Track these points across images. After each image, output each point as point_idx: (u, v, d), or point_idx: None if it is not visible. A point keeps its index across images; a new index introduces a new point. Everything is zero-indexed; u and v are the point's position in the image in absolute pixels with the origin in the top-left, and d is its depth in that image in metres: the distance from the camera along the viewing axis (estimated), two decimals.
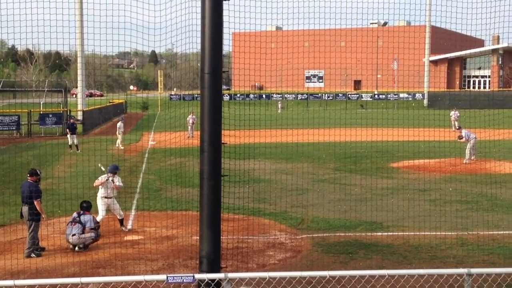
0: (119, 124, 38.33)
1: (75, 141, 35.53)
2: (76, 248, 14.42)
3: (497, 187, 21.01)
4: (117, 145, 36.59)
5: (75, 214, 14.87)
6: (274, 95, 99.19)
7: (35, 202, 14.00)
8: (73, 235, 14.47)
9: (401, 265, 12.95)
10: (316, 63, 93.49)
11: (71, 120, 38.62)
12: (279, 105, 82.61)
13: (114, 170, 16.46)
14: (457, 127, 31.85)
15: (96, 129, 52.59)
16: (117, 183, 16.33)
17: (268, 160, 29.54)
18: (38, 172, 14.65)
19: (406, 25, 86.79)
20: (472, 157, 28.64)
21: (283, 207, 18.89)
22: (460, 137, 29.11)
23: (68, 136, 35.95)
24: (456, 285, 7.77)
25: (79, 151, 34.27)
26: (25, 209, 14.16)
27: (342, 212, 18.12)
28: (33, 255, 13.91)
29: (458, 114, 48.32)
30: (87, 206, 15.06)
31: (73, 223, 14.60)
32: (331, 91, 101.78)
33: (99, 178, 16.35)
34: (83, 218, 14.70)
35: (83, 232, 14.52)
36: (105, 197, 16.17)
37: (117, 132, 37.89)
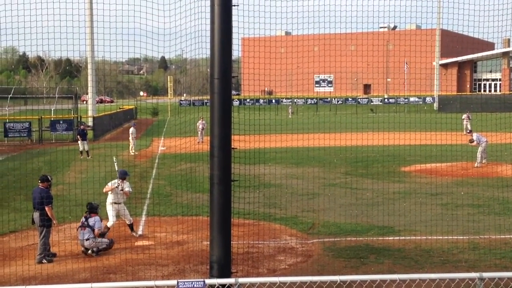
0: (131, 129, 38.43)
1: (86, 147, 35.63)
2: (89, 252, 14.47)
3: (509, 190, 20.88)
4: (132, 151, 36.63)
5: (83, 219, 14.95)
6: (284, 100, 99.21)
7: (46, 208, 14.06)
8: (87, 239, 14.53)
9: (413, 269, 12.87)
10: (325, 67, 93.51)
11: (82, 127, 38.75)
12: (290, 110, 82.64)
13: (124, 176, 16.46)
14: (468, 131, 31.65)
15: (106, 135, 52.77)
16: (126, 189, 16.35)
17: (278, 164, 29.51)
18: (49, 178, 14.71)
19: (416, 29, 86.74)
20: (484, 161, 28.48)
21: (294, 212, 18.85)
22: (471, 141, 28.97)
23: (79, 142, 36.05)
24: None
25: (89, 157, 34.39)
26: (36, 215, 14.22)
27: (353, 217, 18.07)
28: (44, 261, 13.96)
29: (470, 117, 48.22)
30: (91, 208, 15.07)
31: (83, 228, 14.67)
32: (341, 96, 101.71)
33: (109, 184, 16.38)
34: (90, 220, 14.77)
35: (94, 235, 14.59)
36: (115, 203, 16.19)
37: (130, 137, 37.97)
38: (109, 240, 14.99)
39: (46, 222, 14.09)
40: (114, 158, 17.55)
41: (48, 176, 14.80)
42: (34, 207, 14.37)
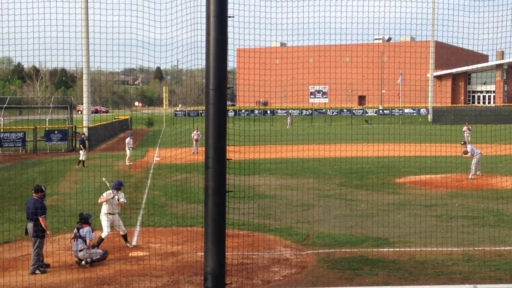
0: (128, 139, 38.41)
1: (84, 157, 35.77)
2: (83, 262, 14.38)
3: (503, 202, 20.93)
4: (127, 162, 36.55)
5: (75, 229, 14.88)
6: (279, 111, 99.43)
7: (40, 219, 14.01)
8: (80, 250, 14.47)
9: (407, 281, 12.87)
10: (320, 78, 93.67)
11: (82, 136, 38.95)
12: (289, 121, 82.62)
13: (119, 186, 16.43)
14: (463, 142, 31.68)
15: (101, 145, 52.71)
16: (121, 200, 16.31)
17: (273, 175, 29.51)
18: (43, 189, 14.67)
19: (411, 41, 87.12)
20: (478, 172, 28.52)
21: (288, 223, 18.84)
22: (465, 152, 29.04)
23: (81, 152, 36.19)
24: None
25: (85, 166, 34.35)
26: (30, 225, 14.17)
27: (348, 228, 18.07)
28: (37, 271, 13.90)
29: (470, 129, 48.46)
30: (82, 219, 14.96)
31: (76, 239, 14.60)
32: (335, 107, 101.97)
33: (104, 194, 16.34)
34: (82, 231, 14.69)
35: (87, 246, 14.51)
36: (109, 214, 16.13)
37: (126, 147, 37.92)
38: (103, 251, 14.94)
39: (39, 233, 14.04)
40: (103, 179, 17.29)
41: (42, 187, 14.77)
42: (27, 217, 14.32)
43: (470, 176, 28.13)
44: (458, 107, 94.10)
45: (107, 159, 35.68)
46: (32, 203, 14.28)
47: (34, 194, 14.48)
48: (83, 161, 35.40)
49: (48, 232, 14.28)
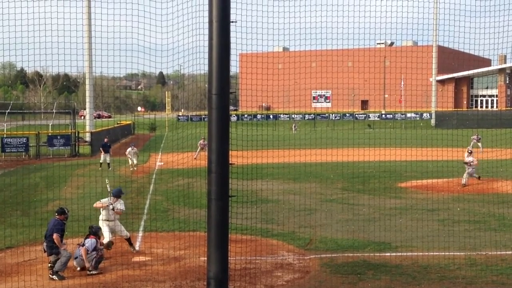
0: (129, 149, 38.46)
1: (108, 160, 36.69)
2: (89, 272, 14.27)
3: (505, 206, 20.90)
4: (132, 167, 36.60)
5: (83, 239, 14.83)
6: (282, 116, 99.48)
7: (54, 235, 14.01)
8: (75, 258, 14.43)
9: (410, 285, 12.86)
10: (323, 83, 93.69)
11: (106, 140, 39.45)
12: (294, 126, 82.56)
13: (118, 194, 16.29)
14: (469, 151, 30.62)
15: None
16: (119, 208, 16.10)
17: (276, 180, 29.50)
18: (66, 211, 14.66)
19: (413, 45, 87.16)
20: (475, 175, 27.97)
21: (291, 228, 18.82)
22: (470, 150, 28.71)
23: (102, 155, 37.16)
24: None
25: (110, 169, 35.25)
26: (44, 244, 14.22)
27: (351, 232, 18.04)
28: (55, 277, 13.85)
29: (480, 137, 47.92)
30: (91, 231, 14.91)
31: (79, 246, 14.54)
32: (338, 111, 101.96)
33: (101, 200, 16.26)
34: (87, 241, 14.62)
35: (81, 254, 14.39)
36: (107, 220, 16.04)
37: (128, 155, 37.90)
38: (95, 252, 14.65)
39: (54, 250, 14.03)
40: (107, 181, 17.30)
41: (65, 209, 14.77)
42: (45, 236, 14.33)
43: (463, 182, 27.46)
44: (461, 111, 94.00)
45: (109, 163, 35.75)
46: (52, 223, 14.33)
47: (56, 216, 14.50)
48: (108, 163, 36.37)
49: (60, 250, 14.22)
